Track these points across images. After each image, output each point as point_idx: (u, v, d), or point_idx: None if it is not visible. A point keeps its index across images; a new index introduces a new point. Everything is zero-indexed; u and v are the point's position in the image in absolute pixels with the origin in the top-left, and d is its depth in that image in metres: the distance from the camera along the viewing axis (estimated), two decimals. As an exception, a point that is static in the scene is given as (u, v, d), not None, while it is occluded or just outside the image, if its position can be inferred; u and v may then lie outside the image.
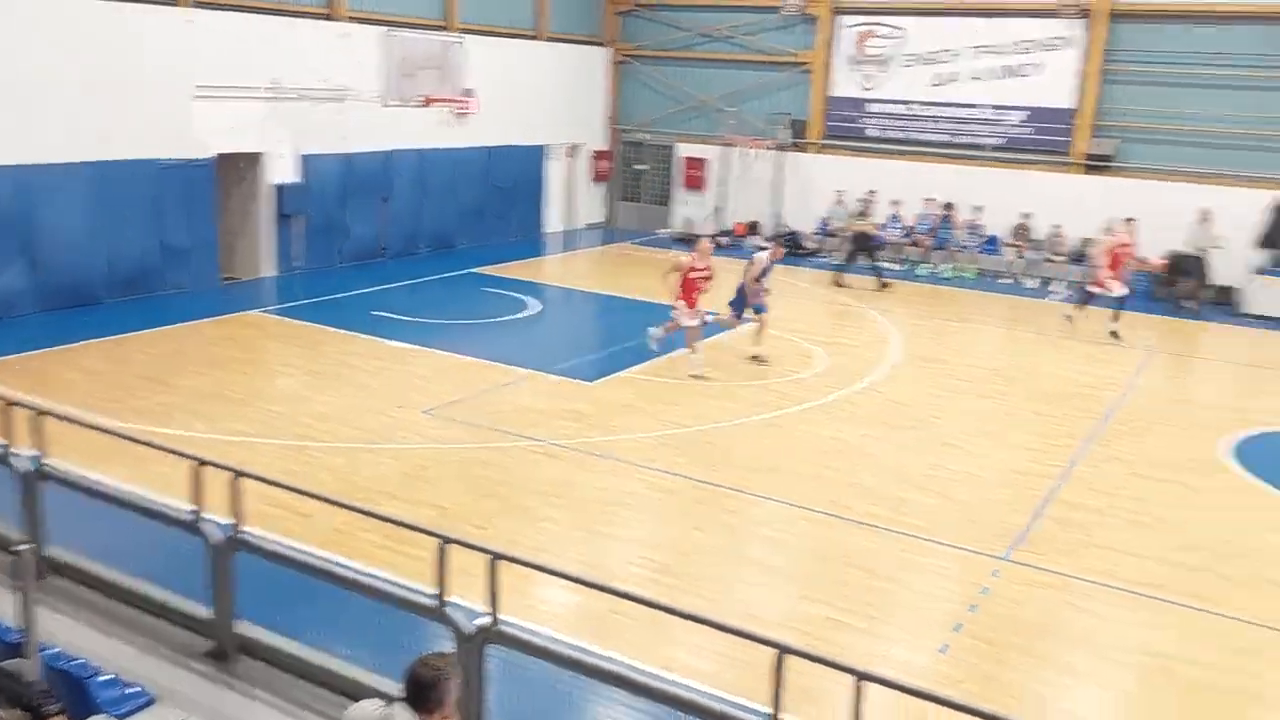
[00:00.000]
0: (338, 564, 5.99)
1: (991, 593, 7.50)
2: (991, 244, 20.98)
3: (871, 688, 3.83)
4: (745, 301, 13.29)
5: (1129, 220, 16.40)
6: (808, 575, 7.73)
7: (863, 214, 20.04)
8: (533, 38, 22.84)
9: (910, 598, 7.50)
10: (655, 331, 13.09)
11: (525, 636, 4.79)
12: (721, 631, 4.30)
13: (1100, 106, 20.21)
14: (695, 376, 12.43)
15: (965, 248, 20.99)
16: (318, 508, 7.22)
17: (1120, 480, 9.87)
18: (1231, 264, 18.29)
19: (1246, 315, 17.70)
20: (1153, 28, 19.56)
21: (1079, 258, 19.57)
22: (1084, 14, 19.89)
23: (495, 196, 21.81)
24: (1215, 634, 7.06)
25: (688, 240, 23.60)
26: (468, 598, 4.87)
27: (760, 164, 23.17)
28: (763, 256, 13.41)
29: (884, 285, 18.98)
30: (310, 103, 17.29)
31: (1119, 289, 15.28)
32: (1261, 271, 18.06)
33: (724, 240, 23.38)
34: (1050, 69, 20.53)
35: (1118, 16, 19.80)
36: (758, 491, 9.18)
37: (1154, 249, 19.24)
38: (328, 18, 17.99)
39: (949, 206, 21.04)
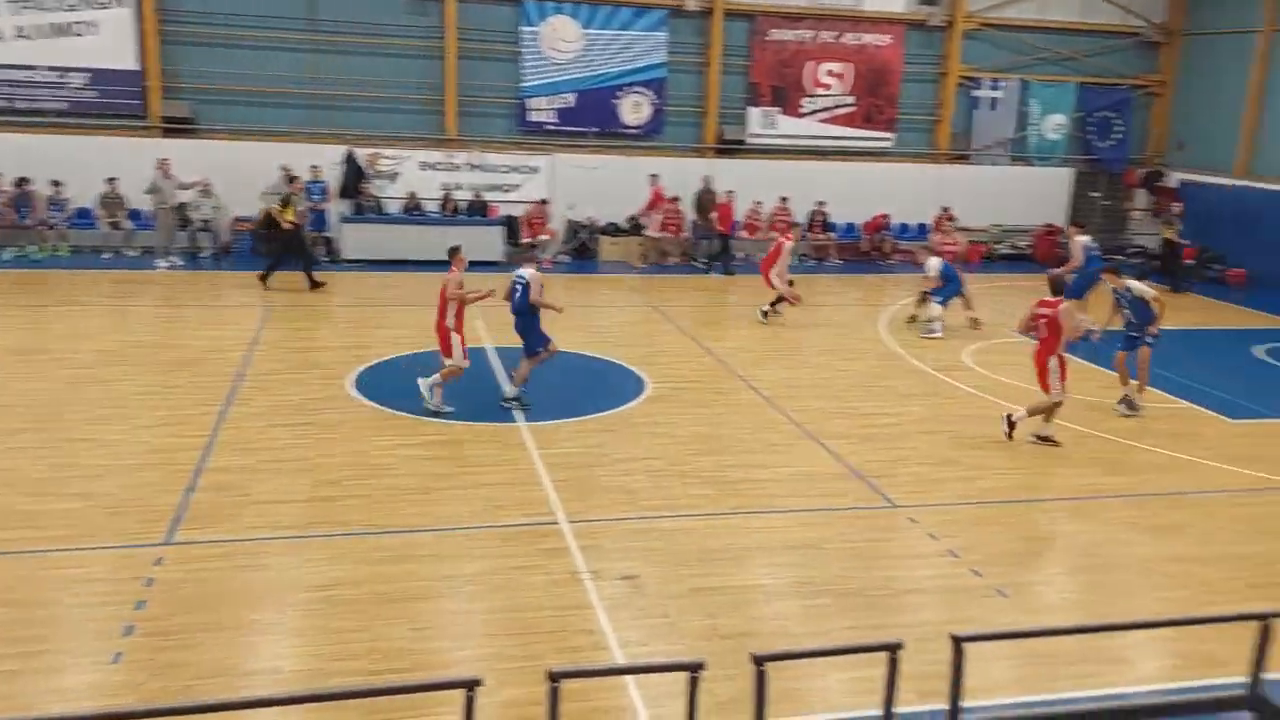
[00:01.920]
0: None
1: (158, 582, 7.12)
2: (84, 217, 19.41)
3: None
4: (540, 333, 11.25)
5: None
6: (-71, 635, 6.37)
7: (286, 202, 16.90)
8: None
9: (68, 617, 6.70)
10: (432, 385, 10.81)
11: None
12: None
13: (167, 68, 19.91)
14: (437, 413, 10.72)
15: (53, 225, 19.05)
16: None
17: (263, 434, 10.15)
18: (328, 214, 19.98)
19: (345, 261, 19.52)
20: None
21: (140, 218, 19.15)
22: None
23: None
24: (365, 550, 7.77)
25: None
26: None
27: None
28: (533, 273, 11.18)
29: (316, 285, 17.05)
30: None
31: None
32: (347, 220, 20.03)
33: None
34: (107, 29, 19.47)
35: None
36: None
37: (245, 208, 19.98)
38: None
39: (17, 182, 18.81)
